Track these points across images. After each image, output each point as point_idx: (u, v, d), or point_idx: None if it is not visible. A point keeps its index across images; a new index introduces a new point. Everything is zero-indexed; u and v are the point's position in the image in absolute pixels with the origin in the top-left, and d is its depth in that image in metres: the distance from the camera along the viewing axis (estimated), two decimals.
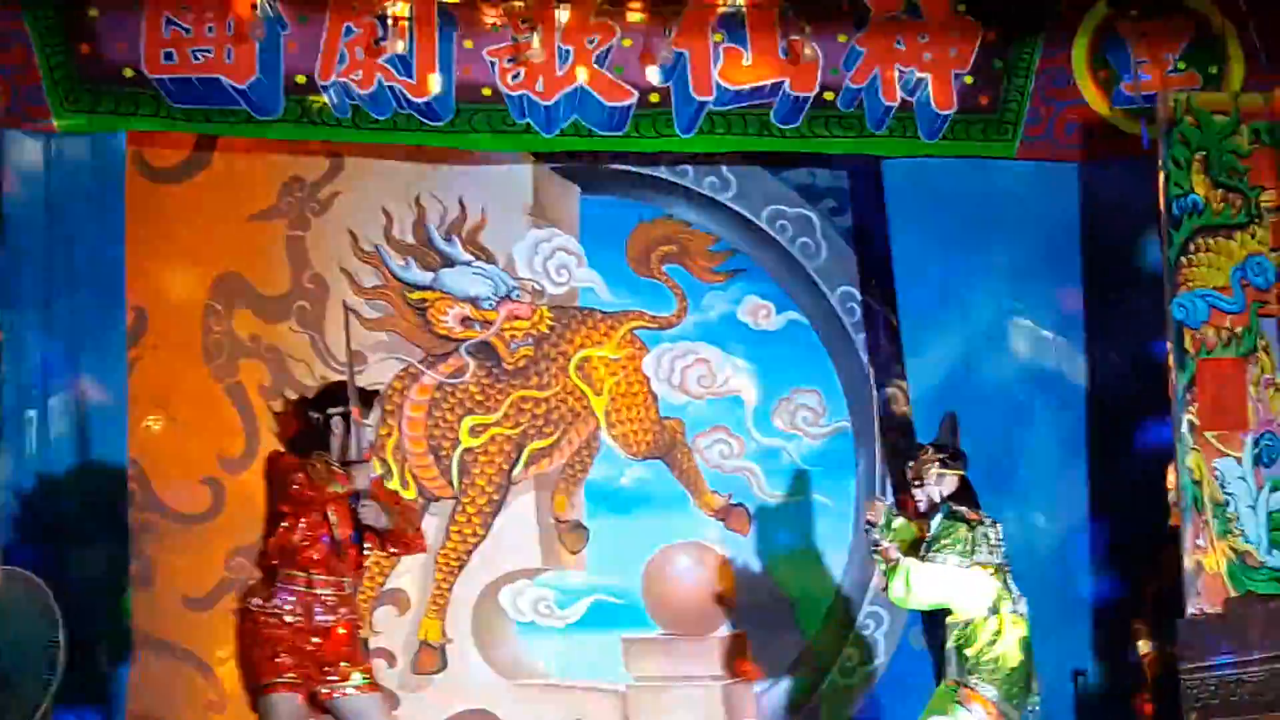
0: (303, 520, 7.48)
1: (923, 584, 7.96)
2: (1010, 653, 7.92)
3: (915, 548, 8.20)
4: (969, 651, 7.93)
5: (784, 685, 9.64)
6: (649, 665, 9.60)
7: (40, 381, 8.79)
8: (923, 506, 8.20)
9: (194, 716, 9.21)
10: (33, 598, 7.31)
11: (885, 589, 8.24)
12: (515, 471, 9.65)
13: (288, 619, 7.47)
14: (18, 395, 8.68)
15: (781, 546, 9.75)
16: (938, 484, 8.16)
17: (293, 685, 7.44)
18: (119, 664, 8.84)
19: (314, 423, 7.65)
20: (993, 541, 8.03)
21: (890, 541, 8.13)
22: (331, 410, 7.65)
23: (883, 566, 8.15)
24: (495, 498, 9.61)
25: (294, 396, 7.97)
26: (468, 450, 9.59)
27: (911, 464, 8.28)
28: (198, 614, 9.23)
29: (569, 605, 9.61)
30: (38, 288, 8.80)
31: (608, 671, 9.58)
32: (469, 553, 9.55)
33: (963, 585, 7.95)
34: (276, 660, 7.45)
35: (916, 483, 8.20)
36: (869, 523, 8.25)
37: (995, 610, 7.95)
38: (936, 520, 8.09)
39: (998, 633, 7.93)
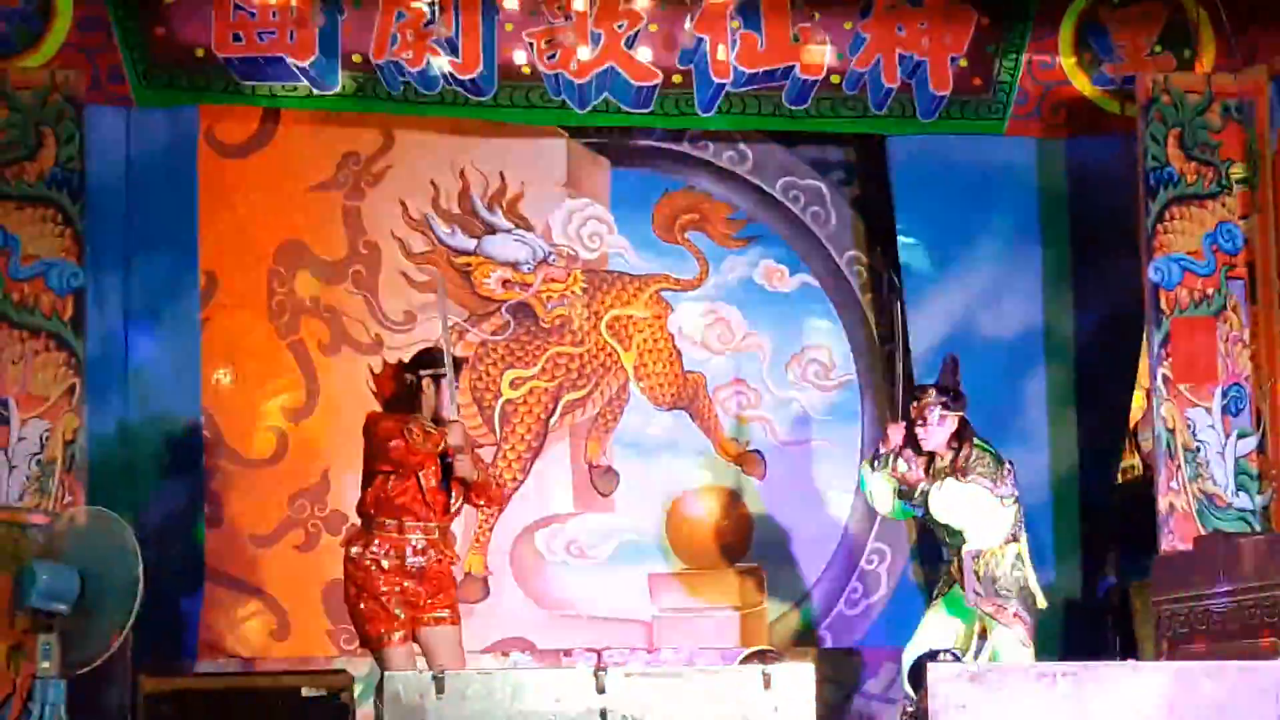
0: (395, 476, 7.53)
1: (960, 502, 7.90)
2: (1032, 579, 7.97)
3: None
4: (997, 575, 7.90)
5: (796, 616, 9.89)
6: (672, 598, 9.82)
7: (121, 337, 9.05)
8: (926, 446, 8.06)
9: (259, 644, 9.45)
10: (114, 534, 7.28)
11: (899, 506, 8.17)
12: (551, 421, 9.87)
13: (384, 563, 7.50)
14: (101, 350, 8.88)
15: (793, 489, 9.95)
16: (939, 424, 8.04)
17: (405, 637, 7.50)
18: (191, 597, 9.16)
19: (408, 383, 7.67)
20: (1013, 476, 8.05)
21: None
22: (424, 372, 7.67)
23: (897, 482, 8.10)
24: (534, 444, 9.84)
25: (392, 360, 8.02)
26: (508, 401, 9.83)
27: (913, 404, 8.11)
28: (263, 550, 9.49)
29: (599, 545, 9.84)
30: (118, 251, 9.03)
31: (635, 604, 9.79)
32: (508, 497, 9.73)
33: (991, 511, 7.91)
34: (388, 612, 7.49)
35: (920, 422, 8.05)
36: (888, 447, 8.14)
37: (1015, 539, 7.97)
38: (964, 452, 7.97)
39: (1019, 558, 7.96)
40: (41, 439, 8.53)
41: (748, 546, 9.98)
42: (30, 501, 8.43)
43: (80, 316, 8.65)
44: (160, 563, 8.57)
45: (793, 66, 9.33)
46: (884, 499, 8.26)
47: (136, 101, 9.01)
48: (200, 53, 9.02)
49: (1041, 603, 8.04)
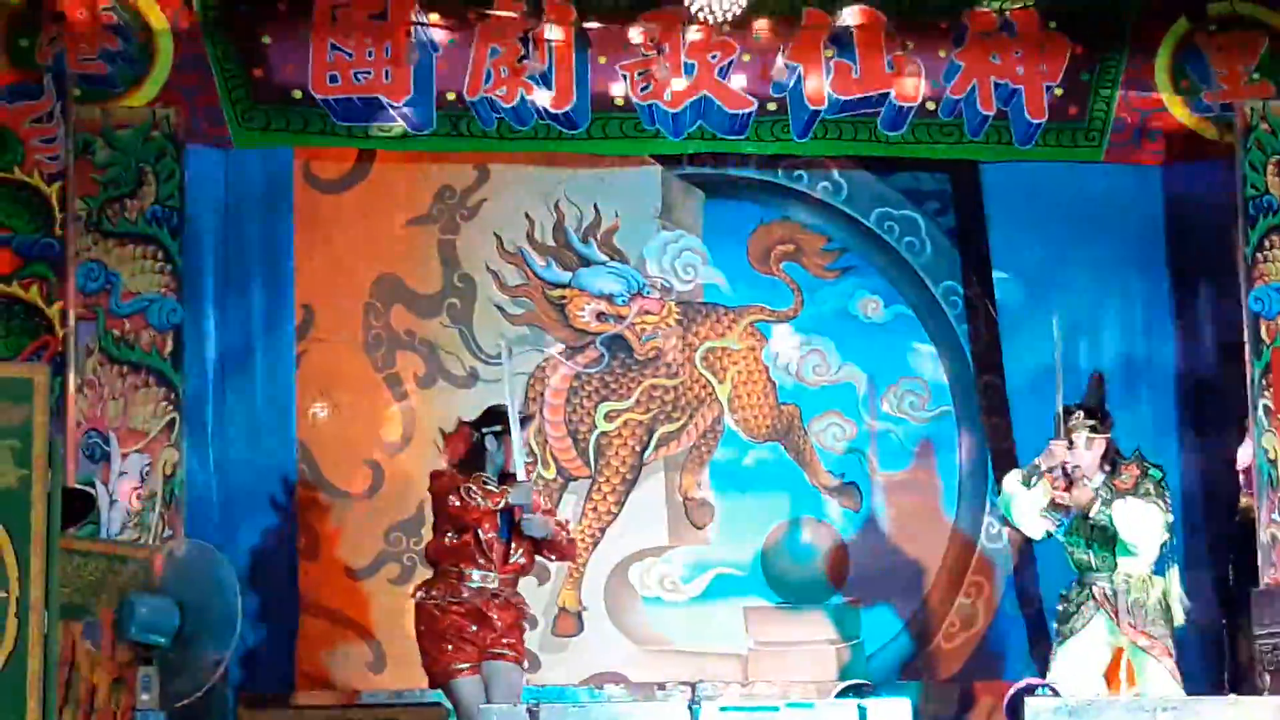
0: (453, 530, 7.83)
1: (1145, 520, 7.78)
2: (1180, 601, 7.92)
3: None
4: (1147, 603, 7.82)
5: (893, 649, 9.81)
6: (768, 631, 9.79)
7: (217, 371, 9.17)
8: (1076, 472, 7.90)
9: (356, 677, 9.47)
10: (213, 567, 7.31)
11: (1044, 524, 8.00)
12: (646, 453, 9.89)
13: (445, 605, 7.80)
14: (198, 384, 9.00)
15: (890, 522, 9.91)
16: (1088, 448, 7.90)
17: (472, 669, 7.78)
18: (289, 629, 9.24)
19: (474, 441, 7.91)
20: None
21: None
22: (486, 429, 7.93)
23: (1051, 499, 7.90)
24: (629, 477, 9.85)
25: (464, 420, 8.24)
26: (603, 434, 9.85)
27: (1062, 426, 7.92)
28: (359, 583, 9.55)
29: (693, 579, 9.81)
30: (215, 286, 9.18)
31: (729, 637, 9.75)
32: (603, 529, 9.81)
33: (1162, 532, 7.84)
34: (453, 649, 7.79)
35: (1069, 444, 7.89)
36: (1050, 464, 7.93)
37: (1169, 565, 7.93)
38: (1132, 470, 7.87)
39: (1166, 588, 7.91)
40: (142, 473, 8.63)
41: (844, 579, 9.94)
42: (130, 535, 8.54)
43: (179, 352, 8.78)
44: (258, 595, 8.98)
45: (887, 93, 9.31)
46: (1031, 515, 8.06)
47: (235, 142, 9.11)
48: (298, 94, 9.09)
49: (1180, 619, 7.96)
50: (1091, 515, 7.85)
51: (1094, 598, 7.94)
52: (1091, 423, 7.94)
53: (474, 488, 7.66)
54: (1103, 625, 7.94)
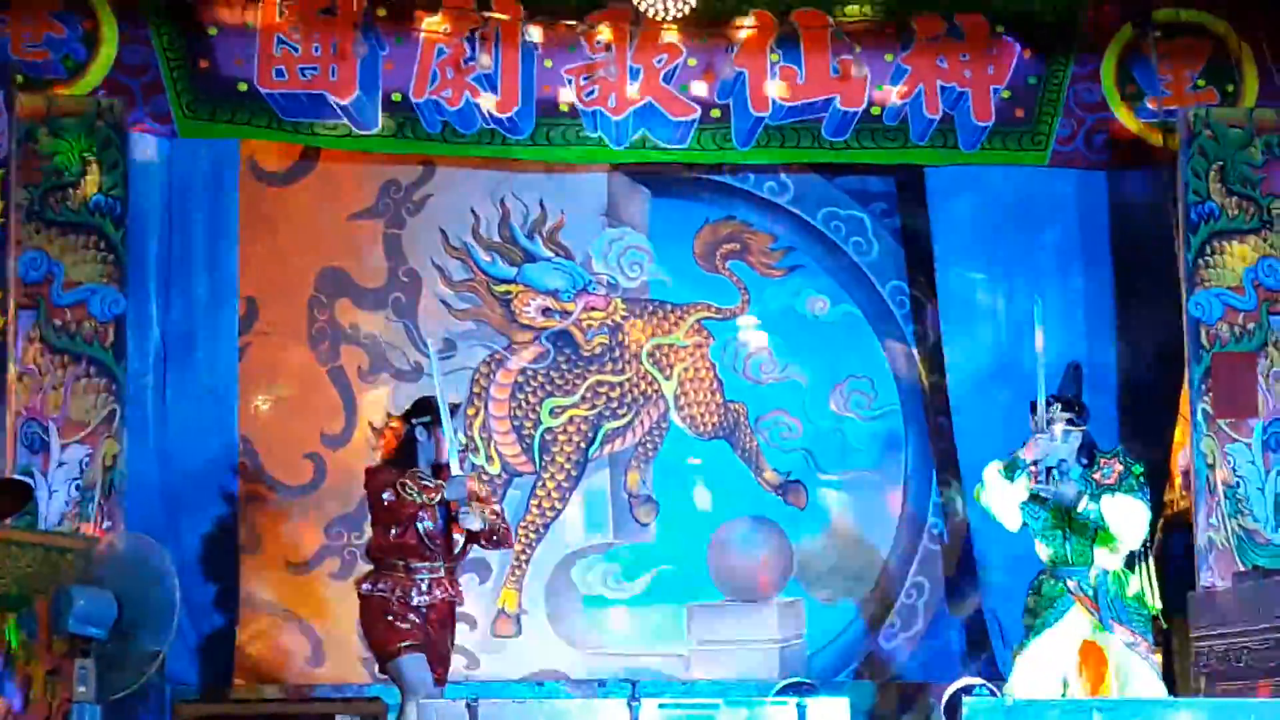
0: (393, 525, 7.76)
1: (1134, 515, 7.68)
2: (1155, 592, 7.80)
3: None
4: (1131, 599, 7.73)
5: (834, 647, 9.83)
6: (710, 629, 9.81)
7: (159, 362, 9.11)
8: (1063, 464, 7.73)
9: (295, 671, 9.48)
10: (151, 560, 7.27)
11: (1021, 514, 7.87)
12: (591, 450, 9.91)
13: (392, 600, 7.71)
14: (139, 375, 8.94)
15: (835, 520, 9.94)
16: (1064, 440, 7.77)
17: (415, 646, 7.67)
18: (227, 623, 9.19)
19: (404, 434, 7.85)
20: None
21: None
22: (415, 420, 7.86)
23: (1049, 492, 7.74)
24: (574, 474, 9.87)
25: (393, 414, 8.27)
26: (548, 430, 9.86)
27: (1034, 417, 7.78)
28: (300, 577, 9.57)
29: (637, 577, 9.83)
30: (159, 278, 9.11)
31: (672, 636, 9.78)
32: (547, 525, 9.83)
33: (1145, 526, 7.77)
34: (395, 627, 7.69)
35: (1044, 438, 7.74)
36: (1030, 456, 7.76)
37: (1144, 558, 7.84)
38: (1116, 467, 7.78)
39: (1143, 583, 7.81)
40: (81, 464, 8.60)
41: (788, 578, 9.96)
42: (69, 526, 8.49)
43: (121, 343, 8.74)
44: (197, 588, 8.94)
45: (832, 99, 9.34)
46: (1010, 506, 7.89)
47: (179, 132, 9.10)
48: (243, 87, 9.11)
49: (1157, 608, 7.87)
50: (1079, 509, 7.75)
51: (1068, 591, 7.82)
52: (1069, 415, 7.86)
53: (409, 483, 7.62)
54: (1077, 619, 7.81)
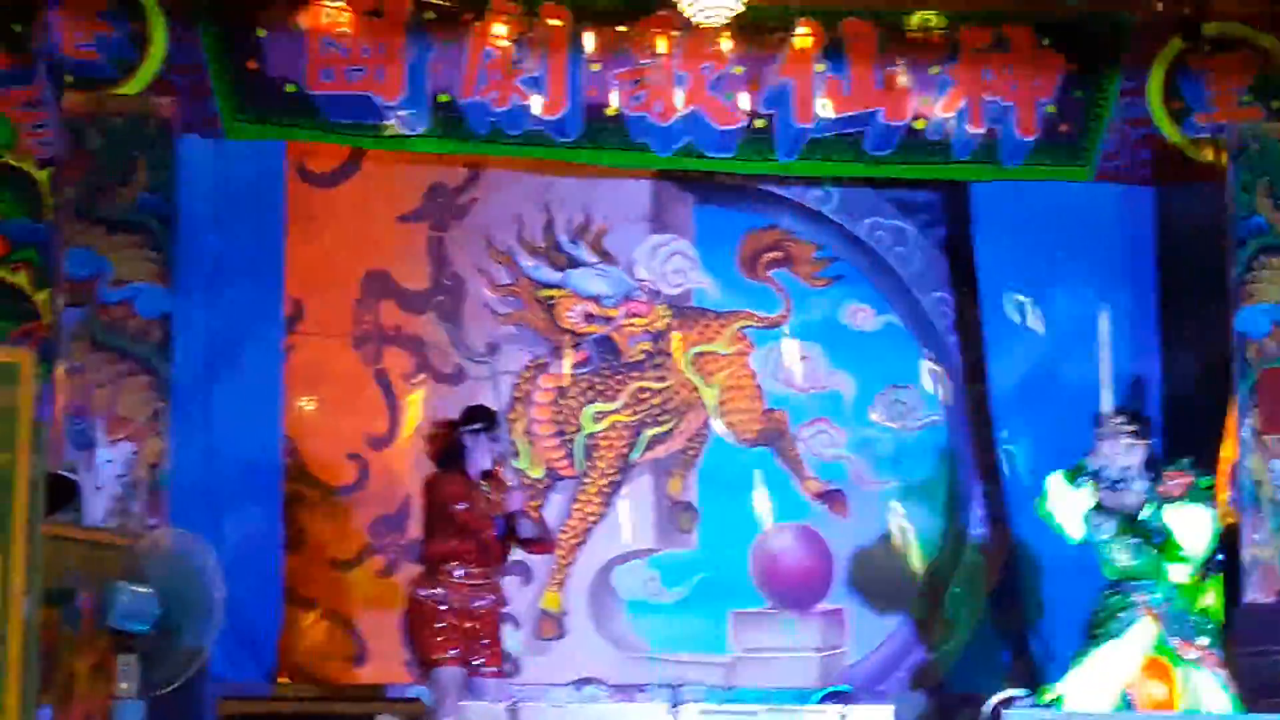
0: (455, 534, 7.94)
1: (1203, 526, 7.67)
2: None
3: None
4: (1195, 613, 7.73)
5: (877, 657, 9.81)
6: (752, 637, 9.81)
7: (206, 362, 9.12)
8: (1127, 473, 7.75)
9: (337, 669, 9.55)
10: (196, 556, 7.27)
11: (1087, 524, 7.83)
12: (633, 456, 9.94)
13: (444, 606, 7.92)
14: (185, 374, 8.94)
15: (877, 530, 9.93)
16: (1127, 455, 7.77)
17: (455, 660, 7.89)
18: (271, 620, 9.21)
19: (452, 440, 8.03)
20: None
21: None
22: (464, 428, 8.04)
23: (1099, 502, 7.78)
24: (615, 479, 9.90)
25: (441, 419, 8.41)
26: (590, 435, 9.89)
27: (1098, 429, 7.80)
28: (342, 575, 9.62)
29: (679, 583, 9.84)
30: (205, 277, 9.11)
31: (714, 644, 9.77)
32: (588, 530, 9.86)
33: (1212, 539, 7.75)
34: (439, 639, 7.90)
35: (1109, 448, 7.75)
36: (1097, 469, 7.79)
37: (1214, 572, 7.86)
38: (1182, 479, 7.74)
39: (1218, 592, 7.86)
40: (127, 461, 8.64)
41: (830, 586, 9.97)
42: (114, 523, 8.51)
43: (167, 341, 8.78)
44: (240, 586, 8.47)
45: (876, 112, 9.36)
46: (1073, 515, 7.89)
47: (227, 134, 9.14)
48: (291, 88, 9.15)
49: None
50: (1141, 518, 7.72)
51: (1135, 605, 7.77)
52: (1135, 427, 7.88)
53: (489, 494, 7.76)
54: (1143, 633, 7.76)
